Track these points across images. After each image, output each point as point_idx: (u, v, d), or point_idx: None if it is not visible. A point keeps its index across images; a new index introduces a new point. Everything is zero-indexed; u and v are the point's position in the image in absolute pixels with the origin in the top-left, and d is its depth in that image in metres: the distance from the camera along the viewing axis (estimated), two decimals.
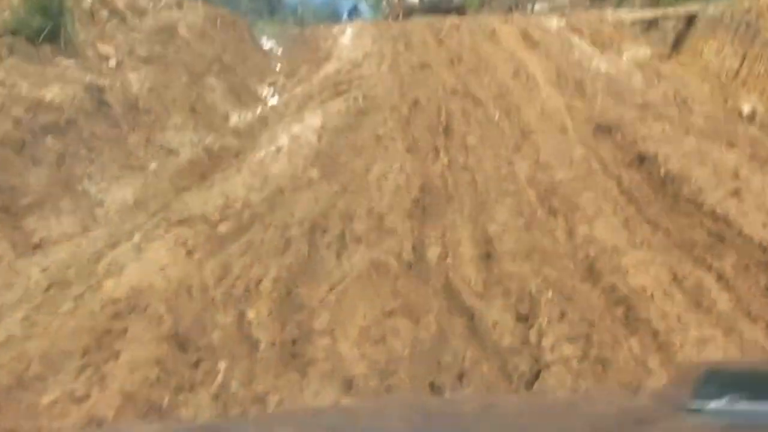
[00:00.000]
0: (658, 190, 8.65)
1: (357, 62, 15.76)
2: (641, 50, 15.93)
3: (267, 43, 29.81)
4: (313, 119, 12.25)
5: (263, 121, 13.00)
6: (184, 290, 6.81)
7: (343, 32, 19.82)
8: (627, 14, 19.56)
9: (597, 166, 9.74)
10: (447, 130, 11.49)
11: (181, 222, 8.49)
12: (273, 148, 10.89)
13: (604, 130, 10.97)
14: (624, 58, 15.15)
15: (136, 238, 8.06)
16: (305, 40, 22.15)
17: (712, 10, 18.90)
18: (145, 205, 9.41)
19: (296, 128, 11.84)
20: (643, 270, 6.50)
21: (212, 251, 7.74)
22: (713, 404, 1.62)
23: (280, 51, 26.11)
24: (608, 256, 6.88)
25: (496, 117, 11.93)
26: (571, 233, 7.70)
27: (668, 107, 11.62)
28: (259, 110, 13.89)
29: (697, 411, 1.62)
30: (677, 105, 11.81)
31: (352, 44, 17.83)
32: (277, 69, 20.97)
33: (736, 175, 7.92)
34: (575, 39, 16.90)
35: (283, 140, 11.29)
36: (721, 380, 1.79)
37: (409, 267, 7.09)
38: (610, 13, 20.01)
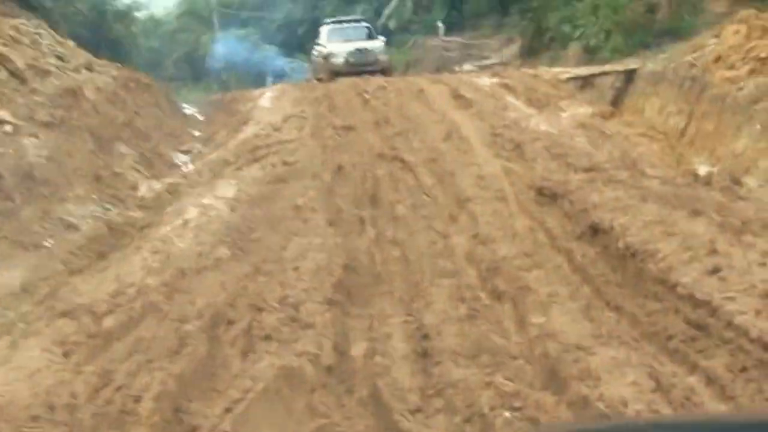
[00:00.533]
0: (618, 268, 7.42)
1: (276, 126, 14.53)
2: (581, 108, 14.94)
3: (187, 109, 28.64)
4: (227, 189, 10.96)
5: (174, 191, 11.66)
6: (46, 408, 5.41)
7: (263, 95, 18.60)
8: (562, 72, 18.66)
9: (544, 239, 8.54)
10: (374, 200, 10.26)
11: (65, 313, 7.17)
12: (180, 222, 9.56)
13: (548, 196, 9.79)
14: (564, 117, 14.10)
15: (15, 332, 6.83)
16: (225, 105, 20.96)
17: (652, 65, 18.10)
18: (33, 290, 8.08)
19: (208, 199, 10.54)
20: (618, 375, 5.23)
21: (93, 352, 6.42)
22: None
23: (200, 116, 24.89)
24: (572, 356, 5.60)
25: (429, 183, 10.72)
26: (522, 323, 6.43)
27: (618, 170, 10.49)
28: (171, 179, 12.52)
29: None
30: (627, 167, 10.70)
31: (272, 107, 16.62)
32: (195, 135, 19.68)
33: (712, 249, 6.68)
34: (510, 98, 15.89)
35: (192, 213, 9.97)
36: None
37: (328, 372, 5.77)
38: (544, 71, 19.08)
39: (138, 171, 13.84)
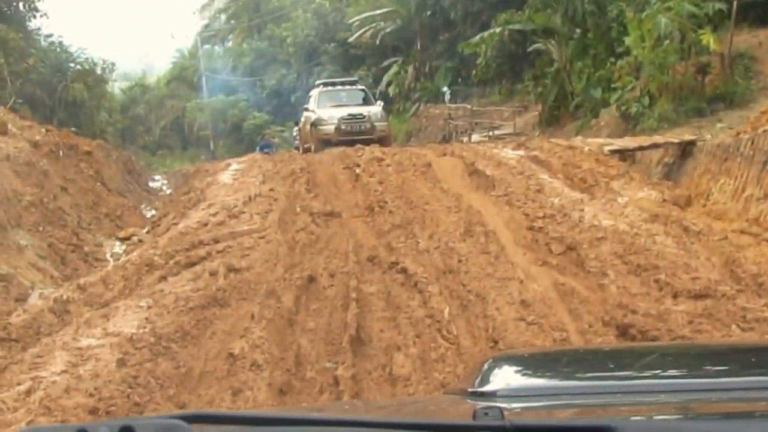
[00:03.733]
0: None
1: (233, 210, 10.61)
2: (643, 192, 11.09)
3: (157, 181, 24.93)
4: (130, 316, 7.08)
5: (61, 312, 7.77)
6: None
7: (229, 167, 14.76)
8: (604, 143, 14.90)
9: None
10: (357, 342, 6.38)
11: None
12: (19, 390, 5.61)
13: (633, 337, 5.99)
14: (624, 203, 10.21)
15: None
16: (188, 179, 17.24)
17: (713, 137, 14.41)
18: None
19: (93, 336, 6.63)
20: None
21: None
22: (491, 386, 1.90)
23: (168, 190, 21.13)
24: None
25: (446, 313, 6.82)
26: None
27: (741, 295, 6.65)
28: (65, 290, 8.60)
29: (478, 393, 1.88)
30: (753, 290, 6.84)
31: (235, 183, 12.70)
32: (148, 215, 15.84)
33: None
34: (544, 175, 12.04)
35: (57, 364, 6.06)
36: (505, 365, 2.18)
37: None
38: (579, 142, 15.30)
39: (38, 270, 9.97)
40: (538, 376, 2.25)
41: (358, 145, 16.51)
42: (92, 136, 23.05)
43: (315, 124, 21.89)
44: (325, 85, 24.67)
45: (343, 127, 21.25)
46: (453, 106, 32.01)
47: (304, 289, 7.62)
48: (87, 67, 26.56)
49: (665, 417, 1.70)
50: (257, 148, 34.06)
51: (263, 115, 48.16)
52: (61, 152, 13.25)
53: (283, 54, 49.83)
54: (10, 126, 12.59)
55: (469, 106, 31.01)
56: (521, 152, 14.03)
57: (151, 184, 24.18)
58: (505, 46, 29.91)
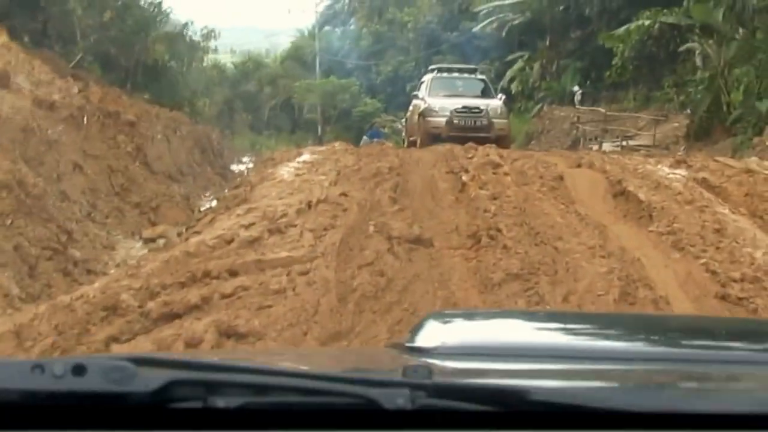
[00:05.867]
0: None
1: (278, 221, 7.39)
2: None
3: (243, 164, 22.25)
4: None
5: None
6: None
7: (299, 156, 11.61)
8: None
9: None
10: None
11: None
12: None
13: None
14: None
15: None
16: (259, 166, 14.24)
17: None
18: None
19: None
20: None
21: None
22: (428, 342, 1.93)
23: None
24: None
25: None
26: None
27: None
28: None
29: (416, 349, 1.92)
30: None
31: (295, 181, 9.50)
32: (205, 206, 12.84)
33: None
34: (722, 209, 8.58)
35: None
36: (449, 322, 2.30)
37: None
38: (755, 164, 11.68)
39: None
40: (480, 335, 2.23)
41: (470, 144, 13.26)
42: (175, 107, 20.36)
43: (423, 115, 18.95)
44: (440, 71, 21.65)
45: (455, 120, 18.33)
46: (582, 109, 28.77)
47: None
48: (177, 30, 23.85)
49: (584, 384, 1.69)
50: (365, 137, 31.89)
51: (375, 102, 46.05)
52: (85, 118, 10.29)
53: (402, 40, 47.48)
54: (21, 80, 9.65)
55: (601, 110, 27.60)
56: (683, 171, 10.57)
57: (235, 167, 21.48)
58: (645, 47, 27.22)
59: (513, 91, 34.15)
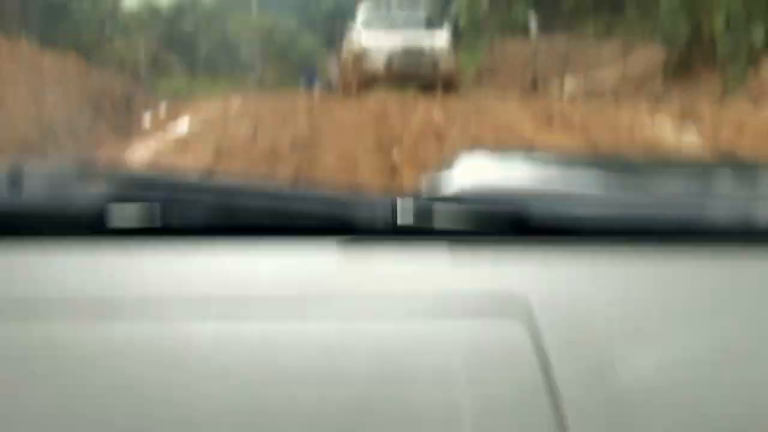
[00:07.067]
0: None
1: None
2: None
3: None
4: None
5: None
6: None
7: (174, 128, 8.84)
8: None
9: None
10: None
11: None
12: None
13: None
14: None
15: None
16: None
17: None
18: None
19: None
20: None
21: None
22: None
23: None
24: None
25: None
26: None
27: None
28: None
29: None
30: None
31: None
32: None
33: None
34: None
35: None
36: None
37: None
38: None
39: None
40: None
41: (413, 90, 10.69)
42: (81, 54, 17.65)
43: (358, 56, 16.80)
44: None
45: (395, 61, 16.28)
46: (539, 41, 26.30)
47: None
48: None
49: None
50: (301, 80, 30.44)
51: (313, 40, 43.56)
52: None
53: None
54: None
55: (563, 41, 25.26)
56: (693, 137, 7.87)
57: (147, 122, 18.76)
58: None
59: (461, 24, 31.61)
